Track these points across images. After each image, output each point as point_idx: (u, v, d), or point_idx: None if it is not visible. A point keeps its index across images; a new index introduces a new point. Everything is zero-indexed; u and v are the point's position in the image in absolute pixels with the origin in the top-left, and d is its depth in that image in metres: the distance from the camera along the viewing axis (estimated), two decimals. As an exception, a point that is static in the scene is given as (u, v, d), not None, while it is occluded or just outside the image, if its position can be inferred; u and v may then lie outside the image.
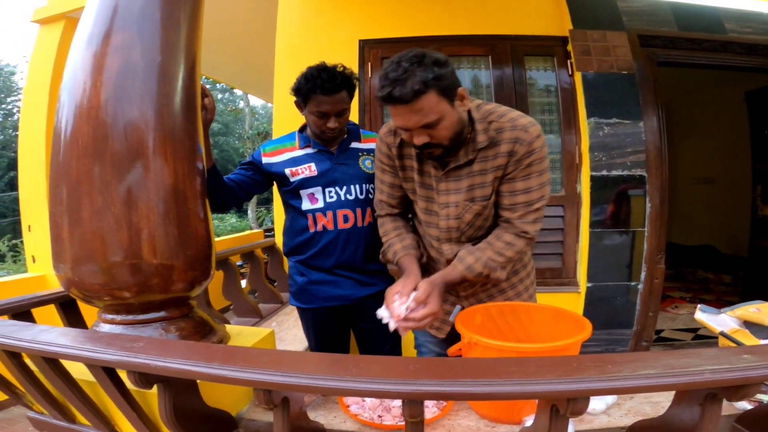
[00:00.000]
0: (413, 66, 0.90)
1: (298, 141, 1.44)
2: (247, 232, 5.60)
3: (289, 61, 2.60)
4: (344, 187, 1.40)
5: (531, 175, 1.04)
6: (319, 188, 1.39)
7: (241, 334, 1.27)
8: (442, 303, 1.07)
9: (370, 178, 1.42)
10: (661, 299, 3.58)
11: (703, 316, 1.20)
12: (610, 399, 1.00)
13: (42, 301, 1.23)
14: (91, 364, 0.75)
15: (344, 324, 1.55)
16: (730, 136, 4.53)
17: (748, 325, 1.12)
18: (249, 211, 11.52)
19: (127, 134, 0.93)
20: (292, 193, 1.42)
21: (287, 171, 1.40)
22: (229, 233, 9.58)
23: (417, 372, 0.61)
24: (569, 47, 2.47)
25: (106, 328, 1.02)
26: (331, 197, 1.40)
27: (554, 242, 2.58)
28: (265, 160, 1.43)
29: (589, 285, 2.46)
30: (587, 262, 2.46)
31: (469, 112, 1.05)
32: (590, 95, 2.42)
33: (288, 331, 2.00)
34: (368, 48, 2.57)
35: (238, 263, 2.59)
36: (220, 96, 17.99)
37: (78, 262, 0.94)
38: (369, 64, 2.57)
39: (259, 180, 1.43)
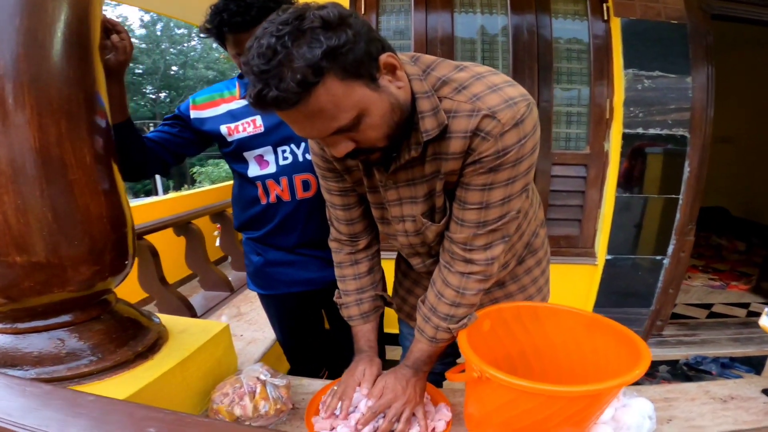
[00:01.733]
0: (287, 41, 0.52)
1: (238, 89, 1.09)
2: (226, 183, 4.98)
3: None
4: (302, 145, 1.09)
5: (495, 185, 0.67)
6: (269, 148, 1.08)
7: (186, 331, 1.01)
8: (423, 389, 0.84)
9: None
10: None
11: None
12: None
13: None
14: None
15: (315, 309, 1.31)
16: (759, 97, 4.12)
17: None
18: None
19: None
20: (233, 155, 1.11)
21: (223, 128, 1.07)
22: (224, 180, 9.20)
23: None
24: None
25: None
26: (285, 159, 1.09)
27: (573, 206, 2.27)
28: (193, 114, 1.09)
29: (609, 257, 2.21)
30: (609, 231, 2.18)
31: (411, 82, 0.66)
32: (629, 44, 2.04)
33: (262, 310, 1.76)
34: (363, -23, 2.10)
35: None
36: (215, 44, 16.98)
37: None
38: (363, 0, 2.12)
39: (189, 138, 1.10)
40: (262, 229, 1.17)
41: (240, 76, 1.12)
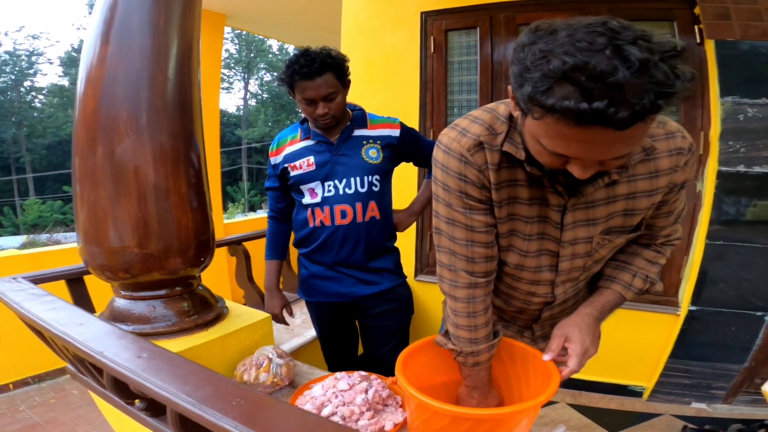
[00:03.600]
0: (657, 55, 0.48)
1: (300, 133, 1.40)
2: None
3: (355, 39, 2.54)
4: (343, 180, 1.33)
5: (686, 184, 0.80)
6: (318, 183, 1.34)
7: (239, 316, 1.36)
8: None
9: (372, 169, 1.33)
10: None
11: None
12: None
13: (55, 277, 1.44)
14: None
15: (348, 319, 1.54)
16: None
17: None
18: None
19: (110, 138, 1.06)
20: (293, 187, 1.41)
21: (287, 167, 1.38)
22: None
23: None
24: (697, 10, 1.86)
25: (118, 301, 1.21)
26: (329, 191, 1.34)
27: (652, 252, 2.05)
28: (272, 161, 1.42)
29: (693, 308, 1.92)
30: (695, 280, 1.91)
31: None
32: (727, 69, 1.80)
33: None
34: (431, 20, 2.32)
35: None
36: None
37: (85, 243, 1.12)
38: (431, 38, 2.32)
39: (281, 182, 1.44)
40: (309, 247, 1.44)
41: (302, 122, 1.41)
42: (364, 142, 1.35)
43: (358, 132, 1.37)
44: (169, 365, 0.73)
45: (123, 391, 0.81)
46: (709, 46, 1.84)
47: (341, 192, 1.34)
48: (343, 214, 1.34)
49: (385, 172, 1.37)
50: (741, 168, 1.79)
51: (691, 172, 0.78)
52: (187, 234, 1.17)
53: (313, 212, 1.38)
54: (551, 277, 0.85)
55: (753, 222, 1.79)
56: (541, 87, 0.51)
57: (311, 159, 1.35)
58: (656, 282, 0.88)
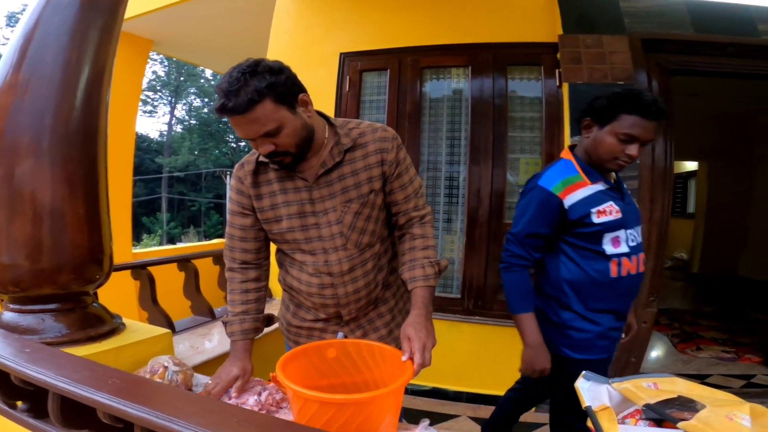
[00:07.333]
0: (246, 76, 0.88)
1: (583, 174, 1.29)
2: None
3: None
4: (636, 228, 1.33)
5: (408, 166, 1.13)
6: (623, 231, 1.27)
7: (137, 331, 1.39)
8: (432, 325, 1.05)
9: None
10: (682, 341, 3.22)
11: (585, 384, 1.02)
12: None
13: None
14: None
15: None
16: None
17: (627, 401, 0.97)
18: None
19: (11, 161, 1.12)
20: (592, 235, 1.26)
21: (592, 212, 1.24)
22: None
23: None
24: (559, 55, 2.22)
25: (6, 314, 1.20)
26: (632, 240, 1.30)
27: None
28: (564, 202, 1.26)
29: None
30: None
31: (328, 119, 1.11)
32: (576, 109, 2.13)
33: (216, 339, 2.12)
34: (348, 61, 2.61)
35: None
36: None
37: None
38: (347, 77, 2.59)
39: None
40: (607, 298, 1.29)
41: (576, 160, 1.32)
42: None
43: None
44: (50, 357, 0.79)
45: (6, 387, 0.84)
46: (565, 89, 2.17)
47: (638, 240, 1.32)
48: (644, 261, 1.35)
49: None
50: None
51: (401, 153, 1.12)
52: (81, 252, 1.21)
53: (620, 262, 1.27)
54: (322, 245, 1.09)
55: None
56: None
57: (614, 205, 1.27)
58: (440, 261, 1.13)
